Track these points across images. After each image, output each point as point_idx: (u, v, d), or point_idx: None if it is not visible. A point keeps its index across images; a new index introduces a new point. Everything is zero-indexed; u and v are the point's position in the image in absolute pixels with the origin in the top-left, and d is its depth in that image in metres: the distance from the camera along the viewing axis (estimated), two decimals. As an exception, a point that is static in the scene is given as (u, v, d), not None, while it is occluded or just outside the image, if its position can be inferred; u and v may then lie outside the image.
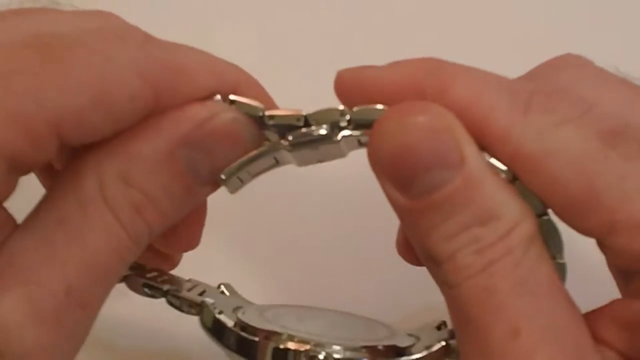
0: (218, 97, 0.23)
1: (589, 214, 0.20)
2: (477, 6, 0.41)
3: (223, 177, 0.23)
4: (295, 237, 0.35)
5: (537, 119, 0.21)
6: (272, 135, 0.23)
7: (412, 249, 0.24)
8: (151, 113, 0.21)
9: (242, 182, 0.24)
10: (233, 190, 0.24)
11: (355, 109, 0.22)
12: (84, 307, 0.21)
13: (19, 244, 0.20)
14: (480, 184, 0.20)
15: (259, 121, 0.23)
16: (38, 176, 0.25)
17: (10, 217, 0.21)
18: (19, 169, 0.20)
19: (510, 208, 0.21)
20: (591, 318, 0.21)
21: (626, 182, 0.20)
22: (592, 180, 0.20)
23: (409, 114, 0.20)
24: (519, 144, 0.20)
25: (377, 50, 0.38)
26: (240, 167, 0.23)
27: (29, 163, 0.20)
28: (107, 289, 0.22)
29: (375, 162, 0.21)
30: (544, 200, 0.21)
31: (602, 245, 0.21)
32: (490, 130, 0.21)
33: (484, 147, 0.21)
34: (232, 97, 0.23)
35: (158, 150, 0.21)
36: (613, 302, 0.22)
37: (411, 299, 0.31)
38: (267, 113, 0.23)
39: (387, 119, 0.21)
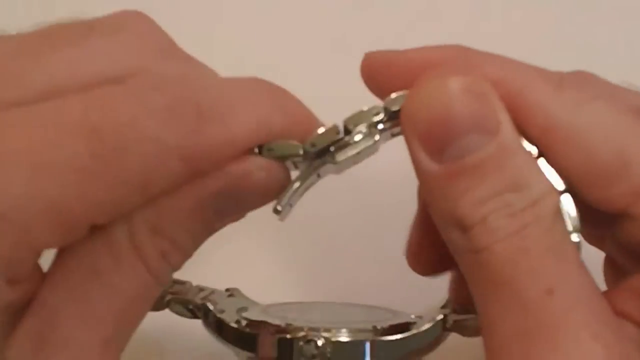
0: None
1: (617, 181, 0.21)
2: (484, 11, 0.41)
3: (279, 208, 0.23)
4: (308, 238, 0.36)
5: (570, 95, 0.22)
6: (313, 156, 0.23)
7: (421, 259, 0.26)
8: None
9: (292, 206, 0.23)
10: (284, 218, 0.23)
11: (389, 97, 0.22)
12: (117, 349, 0.22)
13: (56, 301, 0.21)
14: (514, 152, 0.21)
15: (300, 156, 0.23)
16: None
17: (41, 274, 0.21)
18: (45, 249, 0.20)
19: (539, 179, 0.21)
20: (609, 295, 0.22)
21: None
22: (624, 149, 0.21)
23: (450, 76, 0.21)
24: (554, 115, 0.22)
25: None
26: (293, 197, 0.23)
27: (58, 246, 0.21)
28: (136, 328, 0.22)
29: (410, 125, 0.21)
30: (571, 172, 0.22)
31: (622, 218, 0.22)
32: (523, 104, 0.22)
33: (514, 122, 0.22)
34: (269, 145, 0.22)
35: (189, 204, 0.21)
36: (633, 278, 0.23)
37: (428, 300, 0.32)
38: (307, 142, 0.22)
39: (427, 81, 0.21)
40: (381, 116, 0.22)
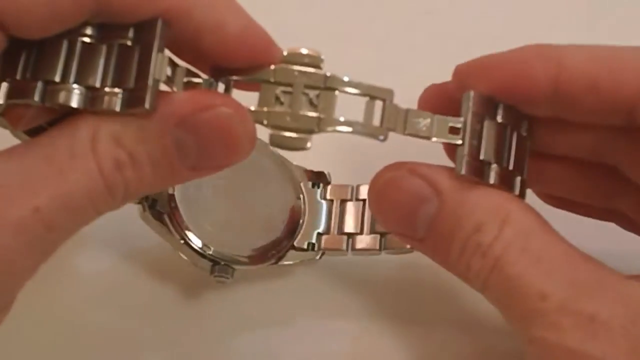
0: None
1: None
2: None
3: None
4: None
5: None
6: None
7: None
8: (95, 13, 0.22)
9: None
10: None
11: None
12: (49, 229, 0.22)
13: (1, 168, 0.22)
14: (461, 202, 0.24)
15: None
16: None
17: None
18: None
19: (493, 207, 0.24)
20: None
21: None
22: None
23: (386, 174, 0.25)
24: None
25: (377, 48, 0.38)
26: None
27: None
28: (75, 223, 0.23)
29: (384, 225, 0.27)
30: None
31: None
32: (617, 75, 0.25)
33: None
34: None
35: (153, 124, 0.22)
36: None
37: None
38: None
39: (371, 194, 0.26)
40: None
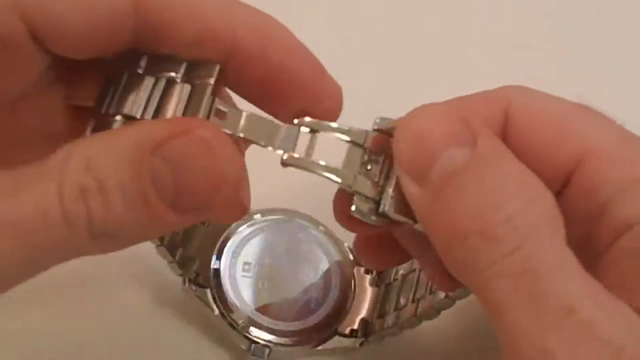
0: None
1: (565, 142, 0.23)
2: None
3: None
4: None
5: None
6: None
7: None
8: (130, 40, 0.22)
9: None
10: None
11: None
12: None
13: None
14: (497, 161, 0.21)
15: None
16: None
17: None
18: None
19: (525, 186, 0.21)
20: None
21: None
22: (569, 116, 0.23)
23: (428, 107, 0.22)
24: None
25: (376, 48, 0.38)
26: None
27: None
28: (27, 254, 0.20)
29: (396, 158, 0.22)
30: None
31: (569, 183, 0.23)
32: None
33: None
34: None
35: (127, 148, 0.20)
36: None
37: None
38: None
39: (407, 117, 0.22)
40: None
